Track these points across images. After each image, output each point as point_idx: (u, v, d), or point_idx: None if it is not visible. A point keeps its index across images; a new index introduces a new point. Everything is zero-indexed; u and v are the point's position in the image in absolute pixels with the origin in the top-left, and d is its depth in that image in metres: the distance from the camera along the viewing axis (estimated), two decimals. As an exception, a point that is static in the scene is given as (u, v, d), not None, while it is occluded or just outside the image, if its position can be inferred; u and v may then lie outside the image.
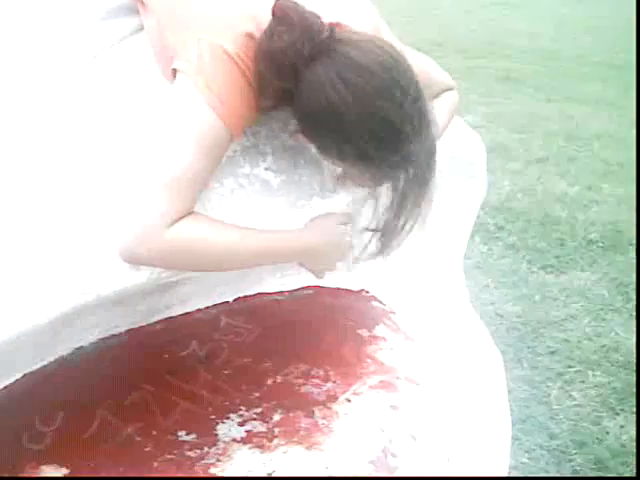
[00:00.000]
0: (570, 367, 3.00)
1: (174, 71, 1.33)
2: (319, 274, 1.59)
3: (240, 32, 1.30)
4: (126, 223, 1.23)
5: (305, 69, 1.25)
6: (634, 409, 2.74)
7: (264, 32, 1.29)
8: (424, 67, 1.53)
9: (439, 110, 1.55)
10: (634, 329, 3.24)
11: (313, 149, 1.46)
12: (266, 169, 1.47)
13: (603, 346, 3.14)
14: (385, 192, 1.38)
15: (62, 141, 1.39)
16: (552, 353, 3.08)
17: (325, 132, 1.31)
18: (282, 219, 1.44)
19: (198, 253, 1.29)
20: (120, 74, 1.55)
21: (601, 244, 4.07)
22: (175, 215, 1.24)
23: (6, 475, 1.16)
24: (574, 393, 2.84)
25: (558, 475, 2.41)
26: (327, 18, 1.28)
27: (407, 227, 1.38)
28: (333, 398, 1.36)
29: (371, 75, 1.23)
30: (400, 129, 1.25)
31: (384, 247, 1.44)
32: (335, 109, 1.23)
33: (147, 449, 1.21)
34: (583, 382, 2.91)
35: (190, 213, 1.27)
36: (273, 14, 1.27)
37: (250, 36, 1.30)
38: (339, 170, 1.49)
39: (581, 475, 2.42)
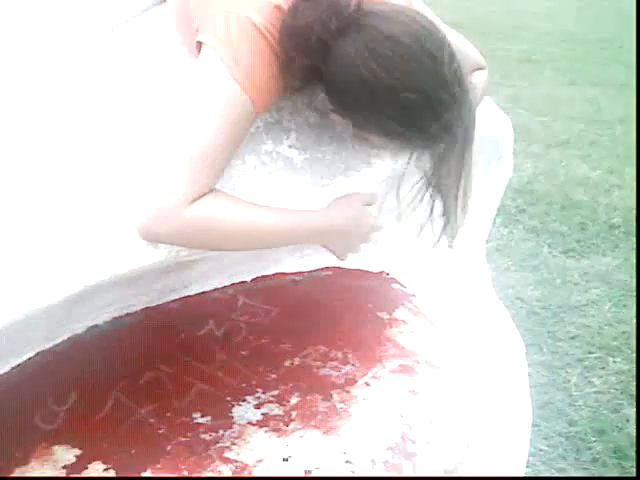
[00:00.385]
0: (590, 353, 2.97)
1: (199, 44, 1.29)
2: (342, 256, 1.55)
3: (268, 3, 1.26)
4: (145, 200, 1.20)
5: (333, 44, 1.21)
6: (655, 397, 2.70)
7: (288, 9, 1.25)
8: (457, 43, 1.50)
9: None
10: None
11: (339, 127, 1.42)
12: (289, 146, 1.43)
13: (624, 332, 3.11)
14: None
15: (81, 117, 1.37)
16: (572, 338, 3.05)
17: (360, 108, 1.27)
18: (305, 198, 1.41)
19: (217, 232, 1.26)
20: (139, 47, 1.52)
21: (623, 229, 4.03)
22: (196, 193, 1.21)
23: (18, 455, 1.14)
24: (594, 379, 2.81)
25: (577, 462, 2.39)
26: None
27: (452, 196, 1.33)
28: (352, 382, 1.33)
29: (401, 46, 1.19)
30: (436, 97, 1.22)
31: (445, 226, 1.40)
32: (367, 83, 1.20)
33: (161, 431, 1.19)
34: (603, 368, 2.88)
35: (211, 191, 1.24)
36: None
37: (278, 8, 1.26)
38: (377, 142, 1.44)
39: (601, 460, 2.40)
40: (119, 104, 1.40)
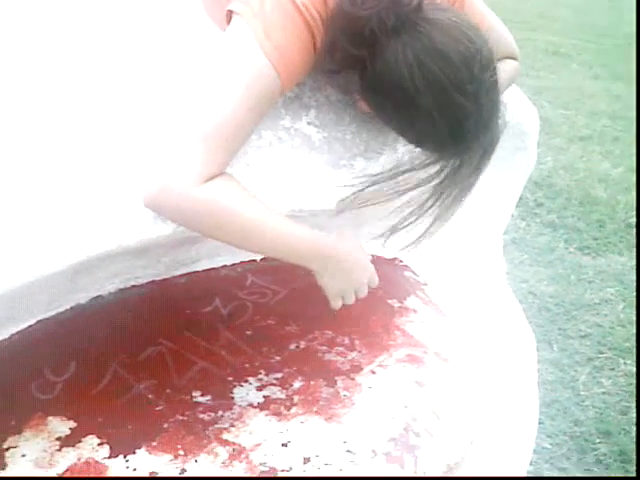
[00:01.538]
0: (601, 353, 2.94)
1: (230, 13, 1.25)
2: (334, 298, 1.36)
3: None
4: (156, 172, 1.16)
5: (385, 41, 1.17)
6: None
7: None
8: (495, 27, 1.49)
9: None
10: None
11: (363, 112, 1.39)
12: (308, 123, 1.39)
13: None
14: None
15: (95, 83, 1.33)
16: (583, 337, 3.03)
17: (391, 110, 1.25)
18: (321, 178, 1.36)
19: (218, 220, 1.19)
20: (163, 15, 1.49)
21: (641, 229, 3.99)
22: (208, 172, 1.16)
23: (13, 423, 1.12)
24: (603, 380, 2.78)
25: (581, 462, 2.37)
26: None
27: (435, 223, 1.33)
28: (357, 369, 1.31)
29: (449, 65, 1.16)
30: (466, 125, 1.20)
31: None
32: (406, 91, 1.17)
33: (158, 408, 1.17)
34: (613, 369, 2.85)
35: (223, 174, 1.20)
36: None
37: None
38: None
39: (605, 462, 2.38)
40: (140, 71, 1.36)
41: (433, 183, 1.29)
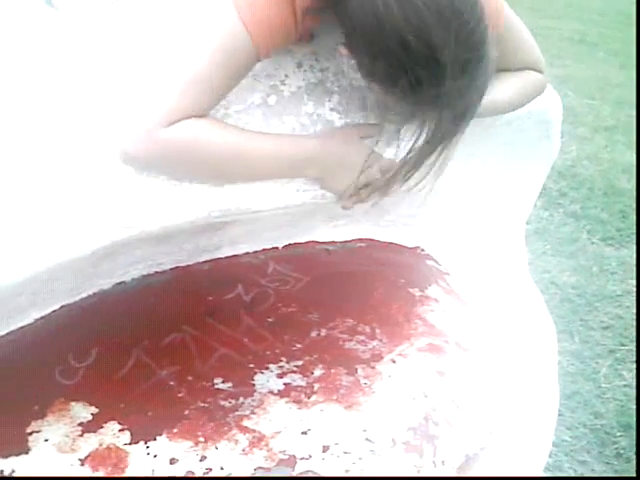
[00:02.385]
0: (623, 345, 2.92)
1: None
2: (343, 199, 1.37)
3: None
4: (125, 121, 1.14)
5: None
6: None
7: None
8: (515, 34, 1.45)
9: (507, 84, 1.46)
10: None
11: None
12: (331, 109, 1.38)
13: (658, 326, 3.05)
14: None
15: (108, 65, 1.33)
16: (605, 329, 3.01)
17: (366, 46, 1.16)
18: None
19: (197, 154, 1.17)
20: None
21: (666, 220, 3.95)
22: (176, 116, 1.13)
23: (36, 408, 1.13)
24: (624, 372, 2.76)
25: (601, 455, 2.36)
26: None
27: (419, 170, 1.25)
28: (378, 357, 1.31)
29: None
30: (445, 62, 1.10)
31: (386, 185, 1.33)
32: (380, 23, 1.10)
33: (180, 395, 1.18)
34: (634, 362, 2.83)
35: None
36: None
37: None
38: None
39: (625, 456, 2.36)
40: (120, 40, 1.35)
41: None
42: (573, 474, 2.29)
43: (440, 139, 1.20)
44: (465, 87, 1.15)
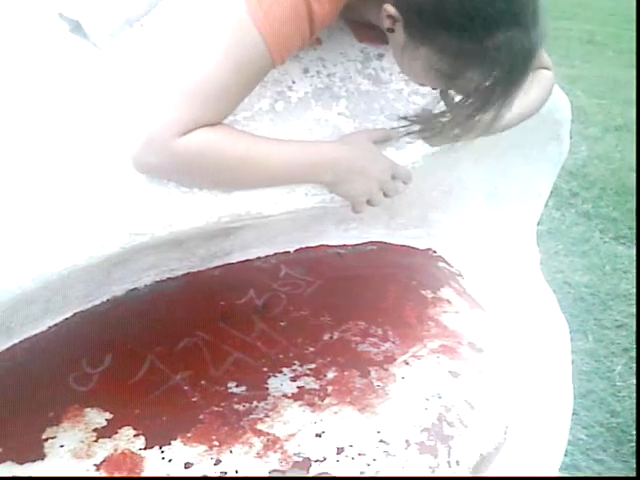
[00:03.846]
0: (637, 343, 2.90)
1: None
2: (357, 205, 1.34)
3: None
4: (139, 129, 1.13)
5: None
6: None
7: None
8: None
9: (534, 84, 1.44)
10: None
11: (392, 86, 1.37)
12: (339, 114, 1.38)
13: (673, 323, 3.04)
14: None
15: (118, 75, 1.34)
16: (619, 327, 3.00)
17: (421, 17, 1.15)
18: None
19: (212, 163, 1.17)
20: None
21: (677, 218, 3.94)
22: (189, 124, 1.13)
23: (51, 415, 1.14)
24: (639, 370, 2.75)
25: (618, 454, 2.35)
26: None
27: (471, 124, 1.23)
28: (391, 359, 1.31)
29: None
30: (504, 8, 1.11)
31: (433, 133, 1.34)
32: None
33: (194, 399, 1.18)
34: (650, 360, 2.82)
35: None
36: None
37: None
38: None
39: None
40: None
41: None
42: (590, 473, 2.28)
43: (501, 92, 1.18)
44: (529, 35, 1.14)
